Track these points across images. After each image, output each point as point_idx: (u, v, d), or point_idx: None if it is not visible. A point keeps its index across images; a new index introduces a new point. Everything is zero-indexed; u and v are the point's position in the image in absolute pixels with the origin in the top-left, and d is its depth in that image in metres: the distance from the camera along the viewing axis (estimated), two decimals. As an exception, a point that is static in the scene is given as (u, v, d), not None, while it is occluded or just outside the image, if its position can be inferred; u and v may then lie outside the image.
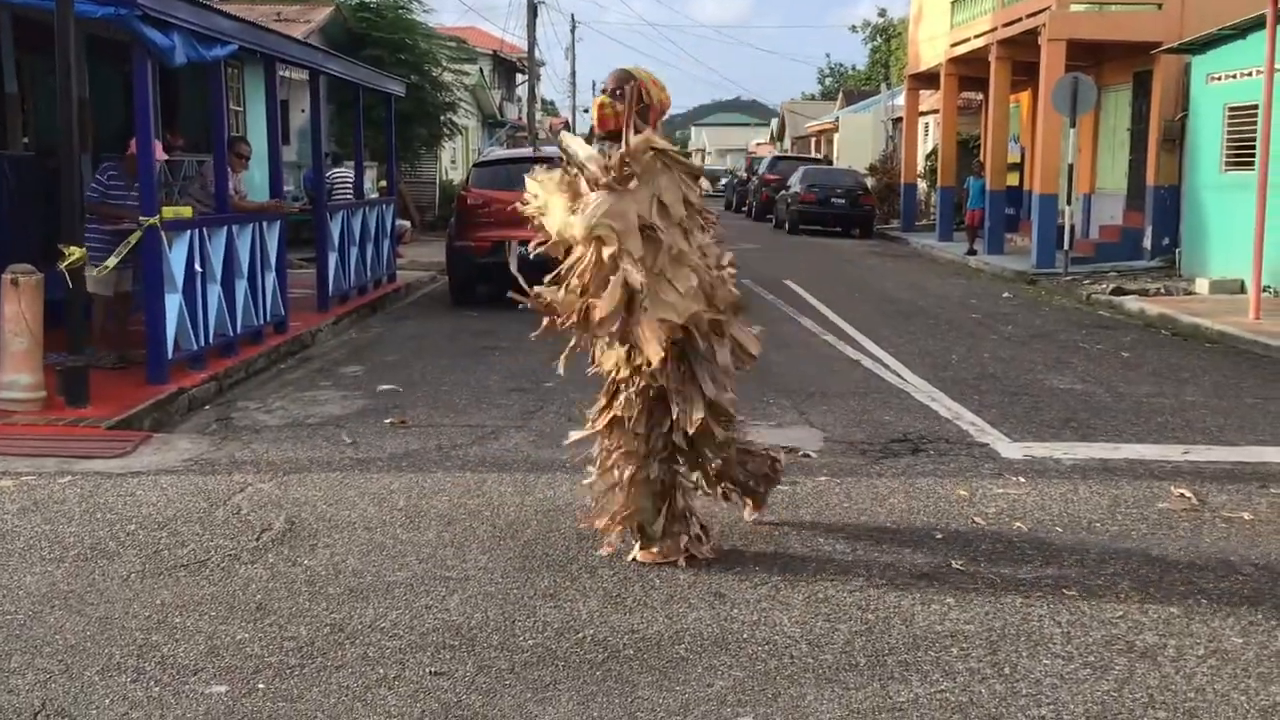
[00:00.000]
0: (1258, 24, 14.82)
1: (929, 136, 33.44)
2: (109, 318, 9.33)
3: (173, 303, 8.91)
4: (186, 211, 9.49)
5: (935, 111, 30.07)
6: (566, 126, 63.29)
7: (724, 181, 57.39)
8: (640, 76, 5.12)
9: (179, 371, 8.98)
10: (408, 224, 22.37)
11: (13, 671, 3.90)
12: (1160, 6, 18.93)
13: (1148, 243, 19.18)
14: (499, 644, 4.20)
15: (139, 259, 8.77)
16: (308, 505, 5.90)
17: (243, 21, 10.55)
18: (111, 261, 8.57)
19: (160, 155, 9.17)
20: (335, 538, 5.38)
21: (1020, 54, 21.48)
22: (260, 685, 3.83)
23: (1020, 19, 20.50)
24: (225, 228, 10.08)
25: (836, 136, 47.36)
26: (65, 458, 6.86)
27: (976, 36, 23.28)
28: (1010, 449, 7.31)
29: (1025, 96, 25.32)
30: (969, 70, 25.13)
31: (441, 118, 27.68)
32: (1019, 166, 25.33)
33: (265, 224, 11.17)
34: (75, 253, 7.92)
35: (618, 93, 5.03)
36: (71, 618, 4.37)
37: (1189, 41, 17.13)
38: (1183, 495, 6.22)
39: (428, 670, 3.96)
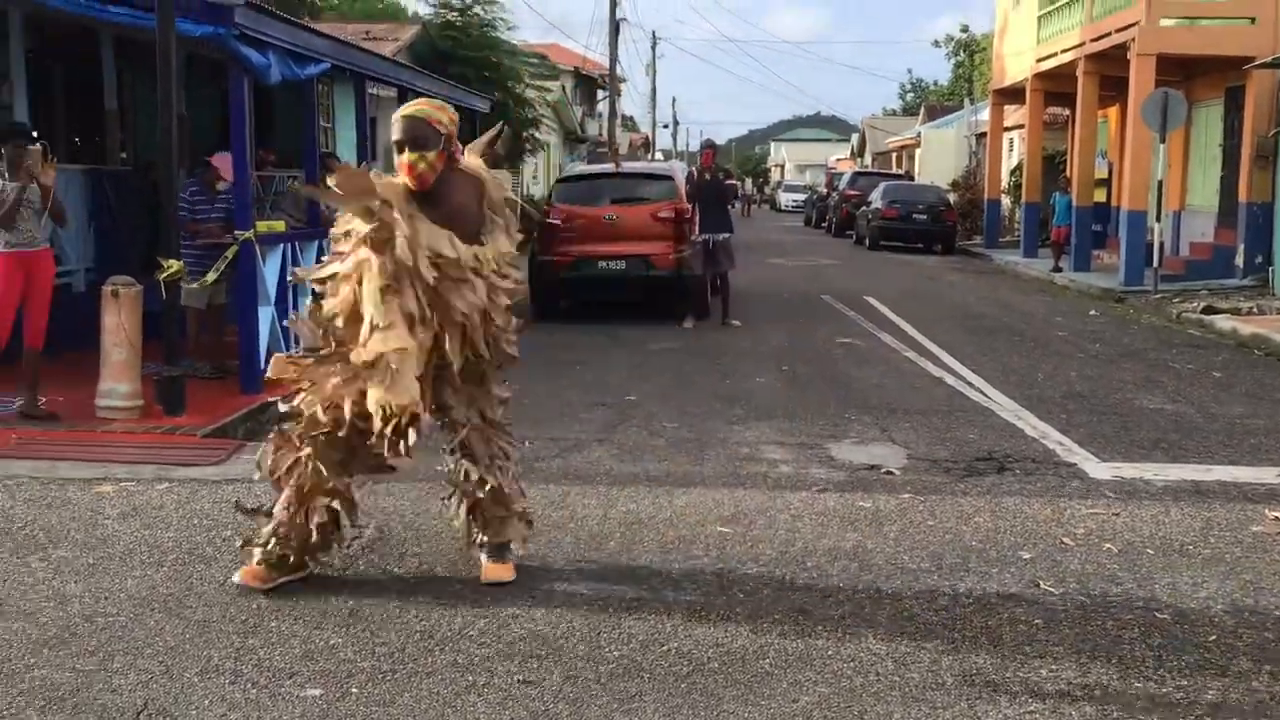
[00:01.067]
0: (1357, 37, 14.49)
1: (1013, 152, 33.04)
2: (203, 329, 9.57)
3: (265, 315, 9.12)
4: (279, 226, 9.72)
5: (1020, 127, 29.72)
6: (647, 143, 63.54)
7: (803, 197, 57.24)
8: (430, 116, 4.79)
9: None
10: (490, 239, 22.60)
11: (115, 671, 4.03)
12: (1254, 21, 18.54)
13: (1239, 261, 18.75)
14: (585, 654, 4.24)
15: (234, 272, 8.99)
16: (395, 514, 6.00)
17: (335, 40, 10.80)
18: (210, 276, 8.80)
19: (226, 176, 9.38)
20: (423, 546, 5.47)
21: (1108, 69, 21.15)
22: (354, 690, 3.91)
23: (1109, 33, 20.20)
24: (316, 241, 10.30)
25: (918, 152, 47.00)
26: (162, 464, 7.05)
27: (1063, 51, 22.98)
28: (1099, 469, 7.21)
29: (1113, 111, 24.93)
30: (1055, 85, 24.80)
31: (524, 134, 27.98)
32: (1106, 182, 24.93)
33: (354, 238, 11.37)
34: (173, 265, 8.15)
35: (420, 144, 4.70)
36: (171, 620, 4.50)
37: (1284, 56, 16.75)
38: (1277, 519, 6.09)
39: (515, 678, 4.02)
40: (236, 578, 4.85)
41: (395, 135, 4.72)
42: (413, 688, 3.94)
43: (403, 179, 4.74)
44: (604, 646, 4.32)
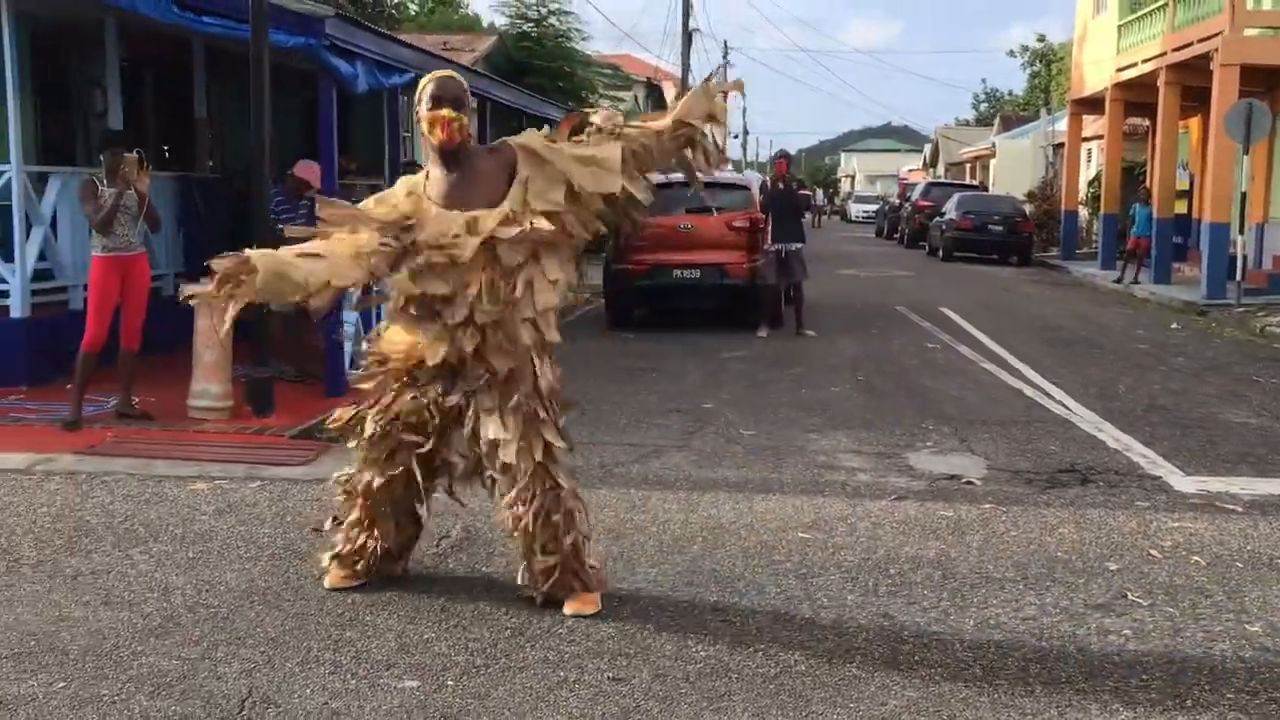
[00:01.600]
0: None
1: (1091, 163, 32.60)
2: (288, 333, 9.77)
3: (350, 319, 9.30)
4: (364, 232, 9.87)
5: (1099, 137, 29.33)
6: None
7: (874, 208, 56.86)
8: (461, 80, 4.79)
9: (354, 386, 9.34)
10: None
11: (220, 660, 4.16)
12: (1343, 29, 18.18)
13: (1326, 274, 18.37)
14: (673, 654, 4.30)
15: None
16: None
17: (419, 50, 11.00)
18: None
19: (315, 181, 9.59)
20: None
21: (1190, 79, 20.82)
22: (449, 682, 4.01)
23: (1191, 43, 19.89)
24: (398, 248, 10.46)
25: (993, 163, 46.51)
26: (253, 464, 7.23)
27: (1144, 61, 22.66)
28: (1184, 483, 7.12)
29: (1194, 122, 24.53)
30: (1135, 95, 24.46)
31: (598, 143, 28.14)
32: (1187, 194, 24.53)
33: (434, 245, 11.55)
34: (263, 270, 8.33)
35: (458, 102, 4.64)
36: (270, 612, 4.63)
37: (1375, 65, 16.40)
38: (1372, 535, 5.98)
39: (605, 676, 4.09)
40: (327, 582, 4.95)
41: (434, 92, 4.63)
42: (506, 682, 4.02)
43: (437, 136, 4.62)
44: (691, 646, 4.38)
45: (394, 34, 11.99)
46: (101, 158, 8.26)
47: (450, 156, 4.68)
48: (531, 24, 26.65)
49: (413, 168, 12.03)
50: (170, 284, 11.13)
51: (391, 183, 10.80)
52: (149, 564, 5.20)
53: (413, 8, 46.82)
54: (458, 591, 4.92)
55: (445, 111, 4.59)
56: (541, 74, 24.88)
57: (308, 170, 9.91)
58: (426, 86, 4.69)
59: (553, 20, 26.85)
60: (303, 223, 9.62)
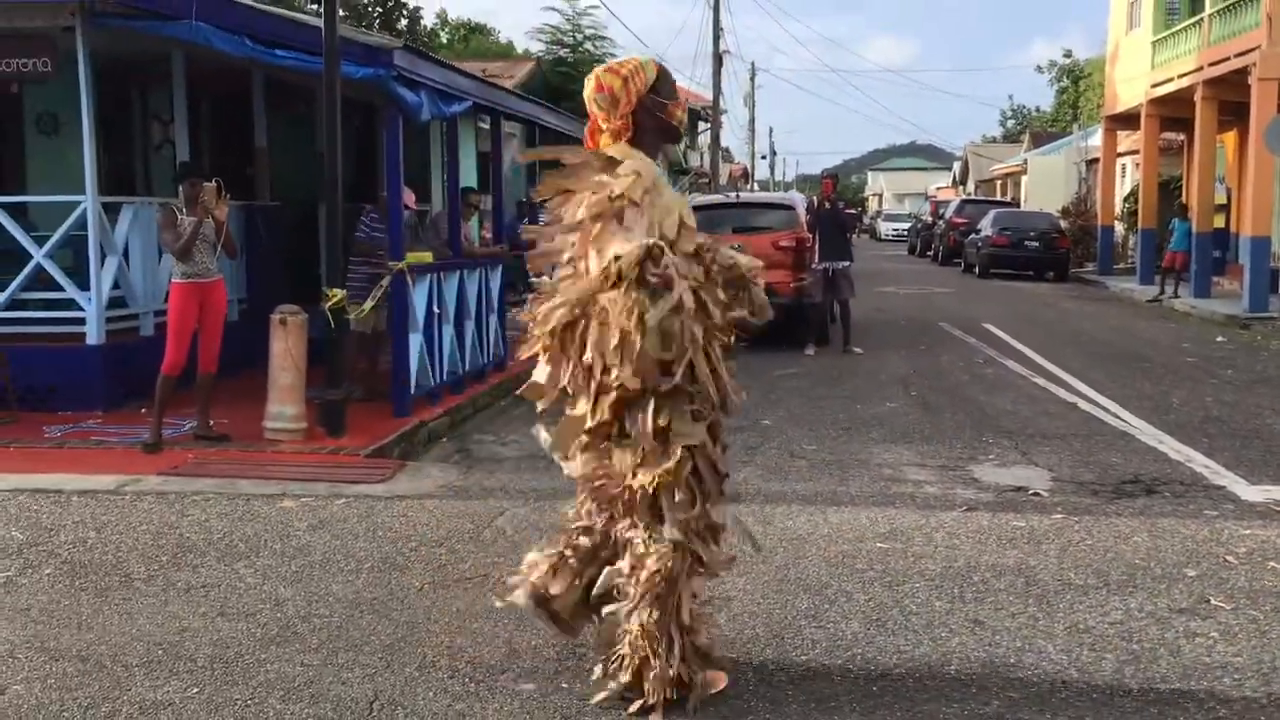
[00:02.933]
0: None
1: (1126, 178, 32.62)
2: (361, 355, 10.00)
3: (415, 342, 9.51)
4: (427, 256, 10.12)
5: (1134, 152, 29.38)
6: (745, 173, 63.77)
7: (905, 226, 56.90)
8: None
9: (418, 406, 9.56)
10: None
11: (341, 666, 4.34)
12: (1382, 41, 18.22)
13: (1369, 286, 18.36)
14: (774, 658, 4.44)
15: (391, 300, 9.39)
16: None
17: (476, 79, 11.23)
18: (368, 305, 9.20)
19: (412, 204, 9.86)
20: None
21: (1226, 93, 20.91)
22: (564, 685, 4.16)
23: (1228, 58, 19.98)
24: (458, 272, 10.70)
25: (1024, 179, 46.52)
26: (333, 482, 7.42)
27: (1180, 76, 22.74)
28: (1249, 492, 7.21)
29: (1231, 136, 24.56)
30: (1170, 110, 24.53)
31: (633, 166, 28.42)
32: (1224, 208, 24.54)
33: (489, 269, 11.79)
34: (337, 294, 8.57)
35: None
36: (380, 621, 4.81)
37: None
38: None
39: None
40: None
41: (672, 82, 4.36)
42: (618, 685, 4.16)
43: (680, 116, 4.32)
44: (790, 651, 4.52)
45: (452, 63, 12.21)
46: (180, 188, 8.50)
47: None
48: (568, 49, 27.01)
49: (469, 193, 12.27)
50: (234, 309, 11.37)
51: (455, 209, 11.14)
52: (255, 577, 5.39)
53: (444, 36, 47.36)
54: (556, 601, 5.07)
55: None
56: (578, 98, 25.14)
57: (406, 195, 10.19)
58: (662, 72, 4.31)
59: (588, 45, 27.21)
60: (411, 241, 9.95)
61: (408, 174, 15.30)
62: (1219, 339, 16.03)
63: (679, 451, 3.99)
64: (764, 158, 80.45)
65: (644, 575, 3.95)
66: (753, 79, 62.94)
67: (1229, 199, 24.76)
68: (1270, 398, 10.89)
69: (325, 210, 8.83)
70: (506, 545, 5.93)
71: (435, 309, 10.02)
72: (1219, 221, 23.58)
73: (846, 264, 14.42)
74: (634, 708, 3.93)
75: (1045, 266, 28.54)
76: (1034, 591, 5.23)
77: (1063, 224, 31.10)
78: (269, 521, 6.38)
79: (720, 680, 4.13)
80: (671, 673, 3.93)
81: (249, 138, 12.88)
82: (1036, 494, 7.22)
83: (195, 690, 4.12)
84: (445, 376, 10.31)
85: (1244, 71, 19.14)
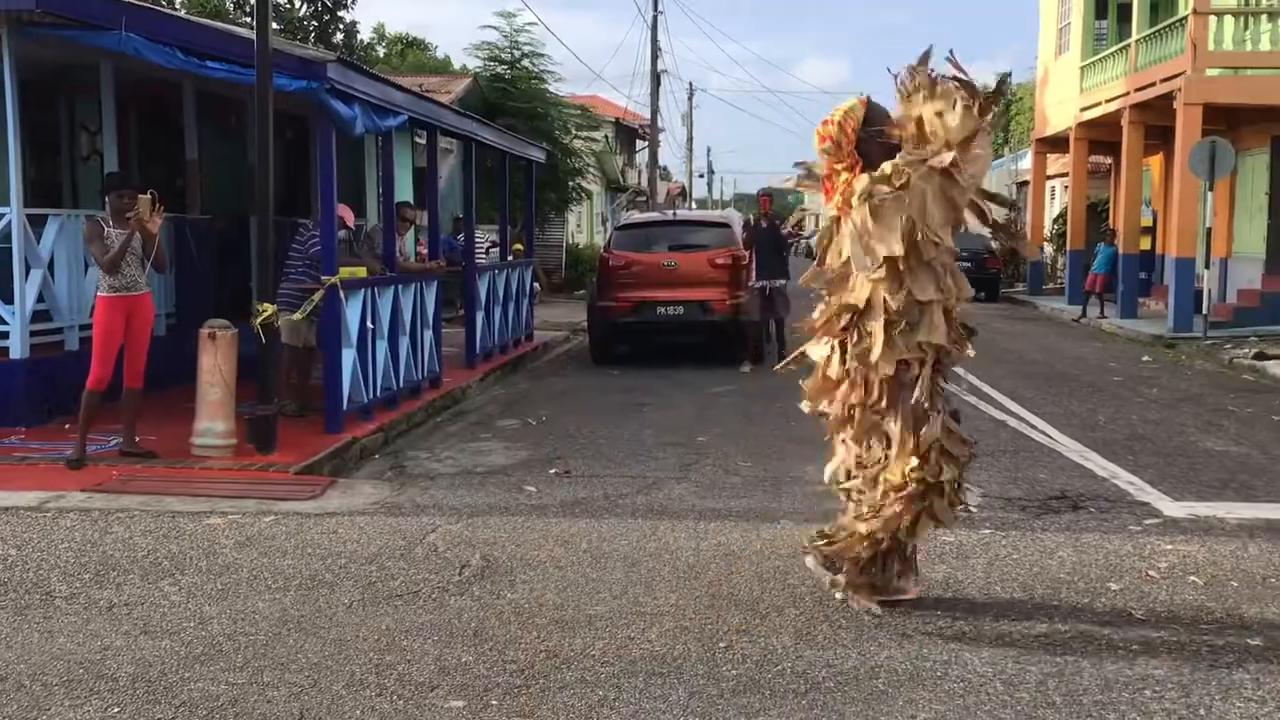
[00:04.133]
0: (1407, 86, 14.66)
1: (1055, 200, 33.21)
2: (293, 369, 9.90)
3: (348, 357, 9.43)
4: (361, 271, 10.04)
5: (1063, 175, 29.92)
6: (684, 192, 64.05)
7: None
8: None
9: (351, 422, 9.47)
10: (537, 285, 23.03)
11: (267, 685, 4.28)
12: (1300, 70, 18.75)
13: (1289, 307, 18.83)
14: (704, 673, 4.45)
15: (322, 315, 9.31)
16: (497, 545, 6.24)
17: (412, 93, 11.19)
18: (298, 315, 9.11)
19: (350, 221, 9.82)
20: (531, 574, 5.70)
21: (1152, 118, 21.37)
22: (493, 702, 4.14)
23: (1154, 83, 20.43)
24: (392, 287, 10.63)
25: (956, 201, 47.09)
26: (263, 499, 7.33)
27: (1108, 101, 23.22)
28: (1172, 508, 7.35)
29: (1156, 160, 25.11)
30: (1098, 134, 25.03)
31: (571, 183, 28.46)
32: (1150, 230, 25.07)
33: (425, 285, 11.73)
34: (267, 309, 8.47)
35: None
36: (308, 639, 4.75)
37: (1332, 104, 16.93)
38: (1356, 554, 6.22)
39: (642, 694, 4.23)
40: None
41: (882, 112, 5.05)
42: (548, 701, 4.16)
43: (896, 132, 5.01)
44: (720, 665, 4.53)
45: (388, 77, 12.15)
46: (106, 199, 8.37)
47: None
48: (505, 66, 26.96)
49: (405, 208, 12.20)
50: (161, 324, 11.20)
51: (390, 222, 11.07)
52: (180, 595, 5.30)
53: (380, 50, 47.13)
54: (487, 617, 5.05)
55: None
56: (515, 115, 25.16)
57: (345, 211, 10.14)
58: (869, 106, 5.07)
59: (526, 63, 27.19)
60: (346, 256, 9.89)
61: (342, 188, 15.23)
62: (1145, 358, 16.36)
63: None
64: (702, 176, 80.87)
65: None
66: (690, 98, 63.33)
67: (1155, 221, 25.30)
68: (1193, 416, 11.12)
69: (257, 224, 8.71)
70: (439, 562, 5.90)
71: (369, 324, 9.95)
72: (1145, 243, 24.08)
73: (783, 282, 14.53)
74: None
75: (976, 286, 28.82)
76: (961, 605, 5.29)
77: (994, 245, 31.56)
78: (195, 539, 6.29)
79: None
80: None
81: (180, 149, 12.72)
82: (965, 509, 7.28)
83: (116, 710, 4.04)
84: (379, 392, 10.23)
85: (1169, 96, 19.58)
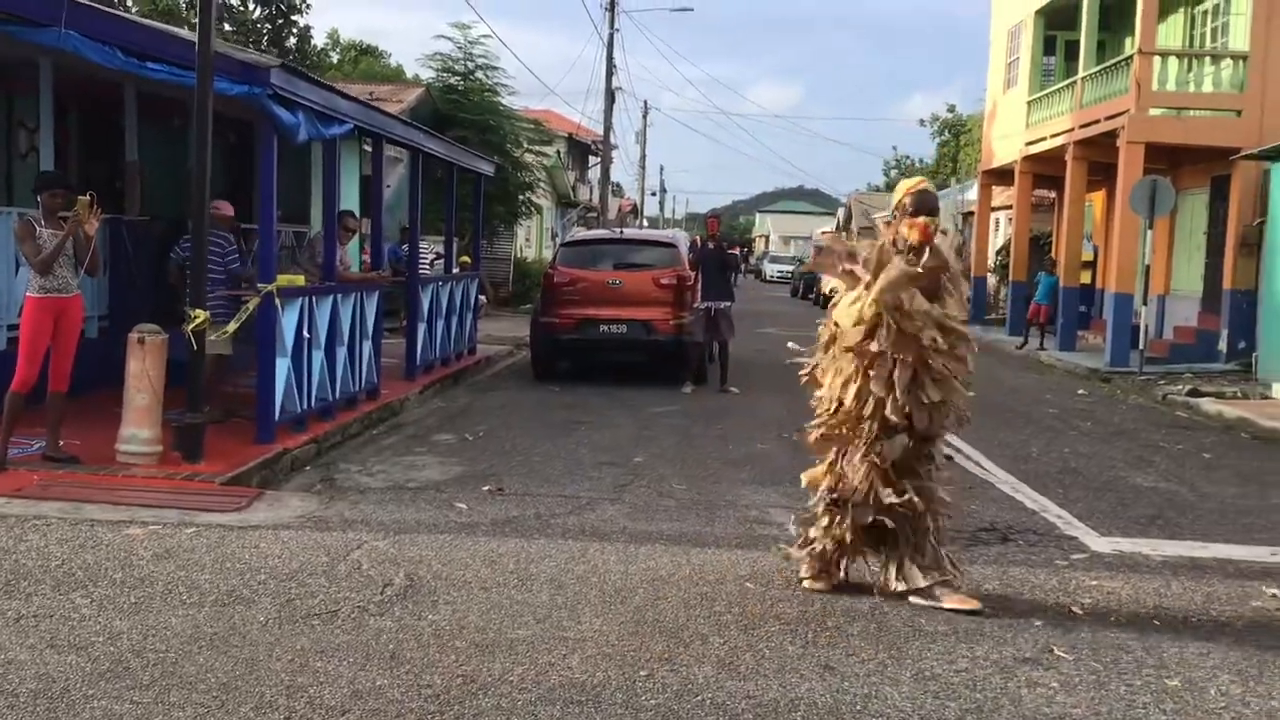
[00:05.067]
0: (1340, 134, 14.98)
1: (999, 231, 33.61)
2: (219, 376, 9.74)
3: (282, 366, 9.29)
4: (299, 280, 9.91)
5: (1008, 207, 30.28)
6: (635, 209, 64.19)
7: (790, 268, 57.77)
8: (932, 190, 6.23)
9: (283, 432, 9.33)
10: (483, 298, 22.91)
11: (173, 705, 4.16)
12: (1240, 113, 19.11)
13: (1223, 345, 19.16)
14: (623, 702, 4.40)
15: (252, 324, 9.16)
16: (423, 564, 6.16)
17: (357, 101, 11.08)
18: (232, 326, 8.96)
19: (229, 212, 9.89)
20: (454, 595, 5.62)
21: (1096, 154, 21.72)
22: (405, 728, 4.06)
23: (1099, 120, 20.76)
24: (331, 297, 10.50)
25: (904, 228, 47.55)
26: (186, 510, 7.18)
27: (1053, 136, 23.56)
28: (1099, 543, 7.41)
29: (1099, 196, 25.49)
30: (1043, 168, 25.38)
31: (520, 197, 28.38)
32: (1091, 265, 25.43)
33: (365, 295, 11.60)
34: (200, 316, 8.33)
35: (934, 210, 6.05)
36: (219, 658, 4.64)
37: (1269, 149, 17.27)
38: (1275, 595, 6.29)
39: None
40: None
41: (916, 206, 5.97)
42: (462, 728, 4.08)
43: (914, 235, 5.88)
44: (640, 695, 4.48)
45: (333, 84, 12.04)
46: (39, 198, 8.19)
47: (917, 250, 5.88)
48: (459, 77, 26.86)
49: (347, 217, 12.09)
50: (94, 327, 10.99)
51: (332, 231, 10.94)
52: (91, 608, 5.17)
53: (334, 56, 46.86)
54: (406, 639, 4.96)
55: (923, 219, 5.90)
56: (467, 126, 25.08)
57: (228, 208, 10.07)
58: (913, 198, 6.03)
59: (479, 74, 27.11)
60: (238, 259, 9.74)
61: (287, 195, 15.06)
62: (1080, 391, 16.56)
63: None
64: (654, 194, 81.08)
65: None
66: (644, 116, 63.58)
67: (1096, 256, 25.68)
68: (1125, 450, 11.25)
69: (193, 229, 8.56)
70: (361, 581, 5.80)
71: (306, 333, 9.82)
72: (1085, 277, 24.43)
73: (728, 304, 14.56)
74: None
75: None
76: (885, 637, 5.28)
77: (939, 273, 31.84)
78: (112, 549, 6.14)
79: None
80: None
81: (120, 150, 12.51)
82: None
83: (13, 728, 3.92)
84: (314, 403, 10.10)
85: (1113, 134, 19.90)
